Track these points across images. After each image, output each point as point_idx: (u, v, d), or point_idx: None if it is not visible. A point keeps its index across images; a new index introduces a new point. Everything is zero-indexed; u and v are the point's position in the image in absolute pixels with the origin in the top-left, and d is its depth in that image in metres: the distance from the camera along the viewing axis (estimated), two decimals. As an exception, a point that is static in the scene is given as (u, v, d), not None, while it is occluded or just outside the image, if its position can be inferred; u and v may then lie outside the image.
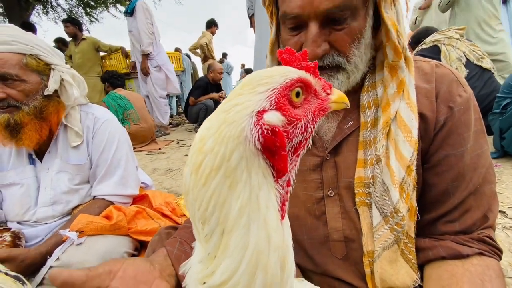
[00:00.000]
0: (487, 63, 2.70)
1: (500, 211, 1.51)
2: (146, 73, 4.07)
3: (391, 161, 0.52)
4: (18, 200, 1.15)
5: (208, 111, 4.46)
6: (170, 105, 5.33)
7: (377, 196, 0.54)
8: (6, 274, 0.79)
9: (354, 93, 0.62)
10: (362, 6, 0.53)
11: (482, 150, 0.55)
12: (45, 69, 1.09)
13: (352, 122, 0.61)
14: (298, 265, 0.65)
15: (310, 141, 0.66)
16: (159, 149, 3.52)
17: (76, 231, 1.03)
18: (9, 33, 1.04)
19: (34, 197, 1.17)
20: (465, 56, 2.64)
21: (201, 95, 4.47)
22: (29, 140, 1.03)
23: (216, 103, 4.53)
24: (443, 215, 0.55)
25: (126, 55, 4.85)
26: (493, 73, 2.66)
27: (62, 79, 1.13)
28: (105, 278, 0.44)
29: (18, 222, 1.18)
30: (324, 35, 0.53)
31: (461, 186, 0.53)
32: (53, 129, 1.15)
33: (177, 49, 7.10)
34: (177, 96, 7.90)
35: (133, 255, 1.15)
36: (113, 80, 3.74)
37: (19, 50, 1.01)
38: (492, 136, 2.37)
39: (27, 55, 1.03)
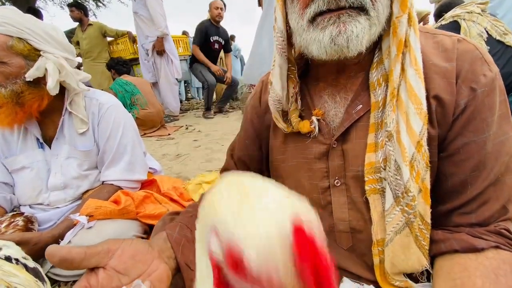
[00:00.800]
0: (510, 39, 2.51)
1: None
2: (162, 54, 4.00)
3: (402, 135, 0.47)
4: (30, 182, 1.18)
5: (210, 90, 4.39)
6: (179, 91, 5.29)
7: (390, 177, 0.50)
8: (26, 266, 0.79)
9: (363, 71, 0.58)
10: None
11: (506, 136, 0.49)
12: (33, 54, 1.05)
13: (361, 105, 0.56)
14: None
15: (317, 129, 0.62)
16: (169, 134, 3.54)
17: (86, 215, 1.05)
18: (1, 14, 1.01)
19: (45, 180, 1.19)
20: (487, 31, 2.46)
21: (202, 41, 4.21)
22: (3, 122, 1.03)
23: (219, 79, 4.41)
24: (459, 206, 0.51)
25: (133, 40, 4.79)
26: (517, 49, 2.47)
27: (59, 69, 1.11)
28: (104, 257, 0.44)
29: (30, 207, 1.21)
30: None
31: (481, 176, 0.48)
32: (34, 113, 1.11)
33: (184, 33, 6.98)
34: (185, 82, 7.87)
35: (142, 238, 1.18)
36: (118, 67, 3.72)
37: (6, 32, 0.98)
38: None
39: (14, 37, 1.00)
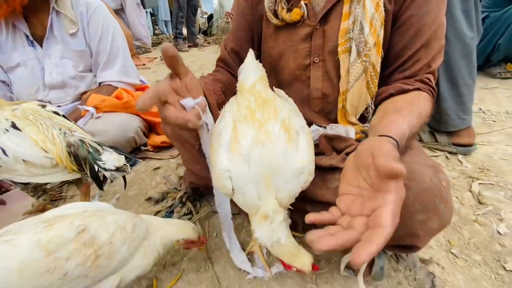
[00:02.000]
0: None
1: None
2: None
3: (366, 1, 0.65)
4: (27, 80, 1.23)
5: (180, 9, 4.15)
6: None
7: (356, 34, 0.68)
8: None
9: None
10: None
11: (440, 11, 0.69)
12: None
13: None
14: None
15: (306, 12, 0.76)
16: (144, 64, 3.43)
17: (93, 107, 1.17)
18: None
19: (41, 77, 1.24)
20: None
21: None
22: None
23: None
24: (399, 66, 0.71)
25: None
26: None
27: None
28: (187, 69, 0.51)
29: (31, 105, 1.28)
30: None
31: (417, 41, 0.67)
32: (17, 11, 1.10)
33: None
34: (152, 14, 7.12)
35: (143, 132, 1.33)
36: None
37: None
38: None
39: None
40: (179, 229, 0.68)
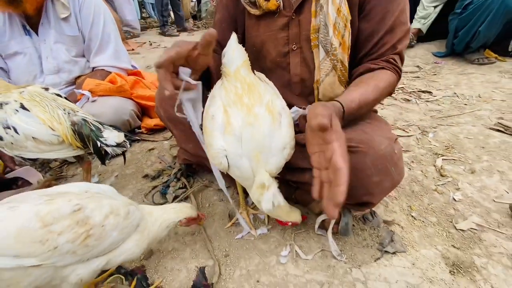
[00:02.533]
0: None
1: (428, 91, 1.92)
2: None
3: (329, 7, 0.72)
4: (25, 68, 1.27)
5: None
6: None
7: (322, 37, 0.76)
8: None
9: None
10: None
11: (403, 2, 0.76)
12: None
13: None
14: None
15: (281, 3, 0.83)
16: (133, 49, 3.41)
17: (89, 91, 1.22)
18: None
19: (38, 65, 1.29)
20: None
21: None
22: (30, 3, 1.08)
23: None
24: (368, 51, 0.78)
25: None
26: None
27: None
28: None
29: (27, 90, 1.32)
30: None
31: (383, 27, 0.74)
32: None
33: None
34: (139, -3, 6.91)
35: (137, 115, 1.40)
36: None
37: None
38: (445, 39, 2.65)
39: None
40: (178, 211, 0.72)
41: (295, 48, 0.84)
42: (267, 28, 0.85)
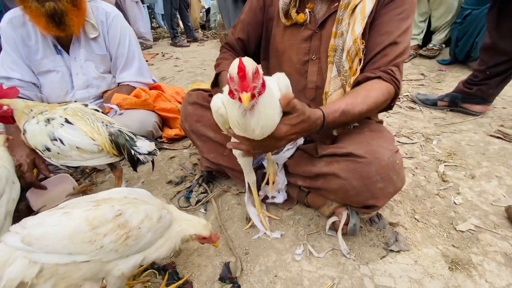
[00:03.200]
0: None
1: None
2: None
3: (348, 36, 0.81)
4: (57, 84, 1.40)
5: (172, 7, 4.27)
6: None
7: (337, 58, 0.87)
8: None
9: None
10: None
11: (409, 18, 0.83)
12: None
13: (337, 3, 0.86)
14: None
15: (308, 17, 0.93)
16: (147, 61, 3.57)
17: (116, 105, 1.35)
18: None
19: (69, 82, 1.42)
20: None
21: None
22: (75, 25, 1.21)
23: None
24: (371, 59, 0.84)
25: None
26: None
27: None
28: None
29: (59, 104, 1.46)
30: None
31: (386, 40, 0.81)
32: (83, 17, 1.28)
33: None
34: (148, 7, 7.16)
35: (159, 126, 1.52)
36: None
37: None
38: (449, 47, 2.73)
39: None
40: (191, 224, 0.75)
41: (314, 58, 0.94)
42: (292, 37, 0.95)
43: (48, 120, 0.94)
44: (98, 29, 1.40)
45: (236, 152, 0.87)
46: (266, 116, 0.61)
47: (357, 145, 0.79)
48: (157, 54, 3.96)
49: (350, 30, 0.83)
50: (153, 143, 0.98)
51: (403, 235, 0.94)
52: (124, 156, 0.97)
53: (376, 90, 0.78)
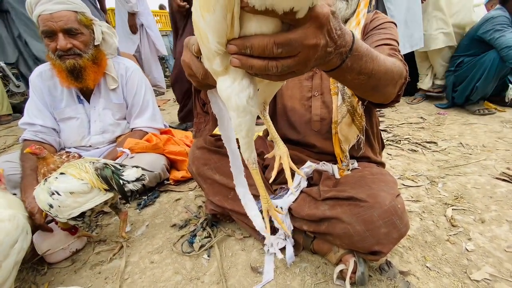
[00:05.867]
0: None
1: (433, 142, 2.04)
2: (134, 31, 4.12)
3: None
4: (76, 130, 1.51)
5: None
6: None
7: (340, 86, 0.93)
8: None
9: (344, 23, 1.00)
10: None
11: (388, 35, 0.91)
12: (90, 24, 1.37)
13: None
14: (288, 138, 1.07)
15: None
16: (159, 106, 3.80)
17: (128, 149, 1.42)
18: None
19: (87, 128, 1.53)
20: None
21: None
22: (92, 80, 1.36)
23: None
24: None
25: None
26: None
27: (102, 32, 1.42)
28: None
29: (75, 148, 1.55)
30: None
31: (380, 41, 0.87)
32: (102, 72, 1.44)
33: (161, 7, 6.91)
34: (162, 58, 7.84)
35: (166, 168, 1.57)
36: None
37: (73, 8, 1.28)
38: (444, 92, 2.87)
39: (79, 12, 1.31)
40: None
41: (316, 95, 1.01)
42: (295, 77, 1.04)
43: (45, 179, 1.00)
44: (118, 81, 1.55)
45: (233, 102, 0.47)
46: None
47: (358, 189, 0.81)
48: (169, 100, 4.22)
49: None
50: (139, 169, 1.03)
51: (415, 285, 0.89)
52: (115, 189, 1.00)
53: (389, 58, 0.69)
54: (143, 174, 1.05)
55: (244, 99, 0.46)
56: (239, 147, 0.62)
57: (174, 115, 3.37)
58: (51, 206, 0.95)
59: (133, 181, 1.02)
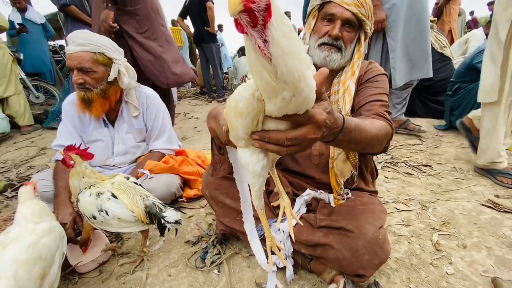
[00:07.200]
0: (448, 52, 3.25)
1: (429, 165, 2.17)
2: None
3: (342, 112, 1.06)
4: (101, 151, 1.69)
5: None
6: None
7: None
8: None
9: (331, 77, 1.15)
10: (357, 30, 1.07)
11: (384, 95, 1.07)
12: (108, 62, 1.54)
13: (329, 91, 1.13)
14: (290, 169, 1.23)
15: None
16: (169, 120, 4.01)
17: (148, 170, 1.60)
18: (86, 37, 1.49)
19: (111, 149, 1.71)
20: (431, 44, 3.17)
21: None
22: (96, 111, 1.55)
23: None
24: (360, 107, 1.04)
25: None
26: (451, 60, 3.24)
27: (119, 70, 1.61)
28: None
29: (100, 167, 1.73)
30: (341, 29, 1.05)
31: (371, 97, 1.03)
32: (112, 104, 1.62)
33: (174, 23, 7.22)
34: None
35: (181, 187, 1.74)
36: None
37: (91, 50, 1.48)
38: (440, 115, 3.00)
39: (97, 52, 1.50)
40: None
41: None
42: None
43: (98, 194, 1.15)
44: (139, 109, 1.74)
45: (251, 168, 0.63)
46: (291, 54, 0.44)
47: (348, 220, 0.96)
48: (180, 114, 4.43)
49: (342, 108, 1.07)
50: (179, 213, 1.18)
51: (398, 303, 1.02)
52: (154, 224, 1.15)
53: (377, 122, 0.86)
54: (180, 219, 1.17)
55: (259, 167, 0.62)
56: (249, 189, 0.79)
57: (185, 129, 3.57)
58: (94, 217, 1.11)
59: (172, 223, 1.14)
